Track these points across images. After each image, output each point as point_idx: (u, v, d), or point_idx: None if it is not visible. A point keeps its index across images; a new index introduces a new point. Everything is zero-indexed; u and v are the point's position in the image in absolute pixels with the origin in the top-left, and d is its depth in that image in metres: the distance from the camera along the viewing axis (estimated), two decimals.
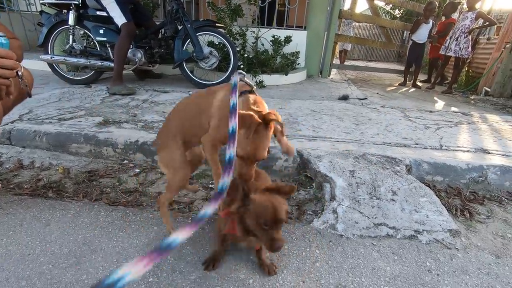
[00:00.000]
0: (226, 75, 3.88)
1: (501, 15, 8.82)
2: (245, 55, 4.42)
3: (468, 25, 5.26)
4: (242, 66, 4.25)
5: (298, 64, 5.19)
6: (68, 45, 3.64)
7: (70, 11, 3.47)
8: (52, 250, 1.25)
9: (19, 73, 1.21)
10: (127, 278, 0.51)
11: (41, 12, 3.67)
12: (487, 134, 2.54)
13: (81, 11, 3.53)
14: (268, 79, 4.41)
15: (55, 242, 1.29)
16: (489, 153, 2.11)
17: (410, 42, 6.11)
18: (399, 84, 6.18)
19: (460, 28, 5.34)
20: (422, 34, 5.86)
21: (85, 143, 2.11)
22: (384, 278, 1.22)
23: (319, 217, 1.58)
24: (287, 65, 4.76)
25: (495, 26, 6.79)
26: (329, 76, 5.78)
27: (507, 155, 2.07)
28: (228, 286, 1.14)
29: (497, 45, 5.70)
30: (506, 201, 1.80)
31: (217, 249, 1.23)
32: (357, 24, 7.40)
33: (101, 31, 3.59)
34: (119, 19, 3.32)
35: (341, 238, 1.44)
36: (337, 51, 9.82)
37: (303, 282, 1.17)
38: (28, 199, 1.62)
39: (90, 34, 3.71)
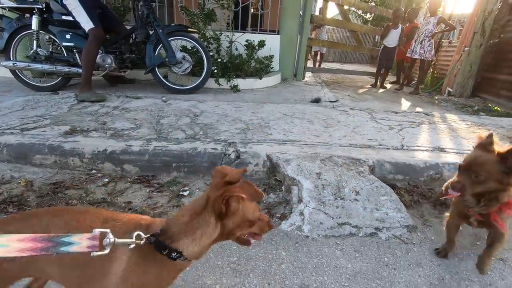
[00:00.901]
0: (200, 79, 3.88)
1: (464, 19, 9.44)
2: (219, 60, 4.44)
3: (431, 29, 5.58)
4: (216, 71, 4.26)
5: (272, 68, 5.28)
6: (32, 51, 3.49)
7: (33, 16, 3.33)
8: None
9: None
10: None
11: (1, 16, 3.50)
12: (444, 134, 2.72)
13: (45, 16, 3.40)
14: (242, 83, 4.45)
15: None
16: (445, 151, 2.27)
17: (382, 46, 6.40)
18: (370, 86, 6.44)
19: (424, 32, 5.66)
20: (392, 39, 6.16)
21: (50, 154, 2.04)
22: (345, 275, 1.29)
23: (287, 219, 1.63)
24: (261, 69, 4.83)
25: (458, 30, 7.27)
26: (303, 79, 5.92)
27: (461, 153, 2.24)
28: None
29: (458, 48, 6.09)
30: None
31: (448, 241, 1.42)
32: (330, 27, 7.62)
33: (68, 36, 3.47)
34: (86, 24, 3.23)
35: (307, 239, 1.50)
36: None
37: (268, 284, 1.22)
38: None
39: (55, 39, 3.58)
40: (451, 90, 5.81)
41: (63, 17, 3.41)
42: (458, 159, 2.10)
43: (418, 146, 2.34)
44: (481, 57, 5.38)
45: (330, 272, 1.30)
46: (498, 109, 4.68)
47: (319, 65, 7.98)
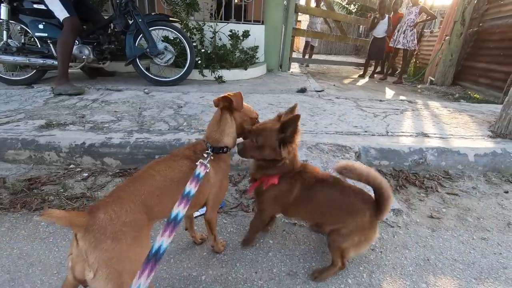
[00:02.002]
0: (184, 70, 3.78)
1: (444, 10, 9.64)
2: (203, 50, 4.33)
3: (413, 19, 5.65)
4: (199, 61, 4.16)
5: (257, 58, 5.21)
6: (2, 42, 3.28)
7: (2, 4, 3.12)
8: None
9: None
10: None
11: None
12: (427, 120, 2.76)
13: (15, 4, 3.19)
14: (227, 74, 4.37)
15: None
16: (428, 136, 2.30)
17: (371, 37, 6.43)
18: (359, 76, 6.48)
19: (406, 22, 5.72)
20: (380, 29, 6.19)
21: (24, 149, 1.93)
22: None
23: None
24: (247, 60, 4.76)
25: (439, 20, 7.39)
26: (289, 70, 5.88)
27: (443, 138, 2.28)
28: (179, 285, 1.12)
29: (439, 38, 6.21)
30: (443, 179, 1.98)
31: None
32: (320, 19, 7.54)
33: (41, 26, 3.28)
34: (61, 13, 3.06)
35: (294, 226, 1.48)
36: (298, 45, 9.98)
37: (256, 272, 1.19)
38: None
39: (28, 30, 3.38)
40: (433, 79, 5.94)
41: (35, 5, 3.22)
42: (441, 144, 2.14)
43: (403, 132, 2.36)
44: (461, 46, 5.50)
45: (317, 258, 1.29)
46: (478, 96, 4.82)
47: (310, 57, 7.92)
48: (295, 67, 6.73)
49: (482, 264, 1.29)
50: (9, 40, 3.30)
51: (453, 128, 2.53)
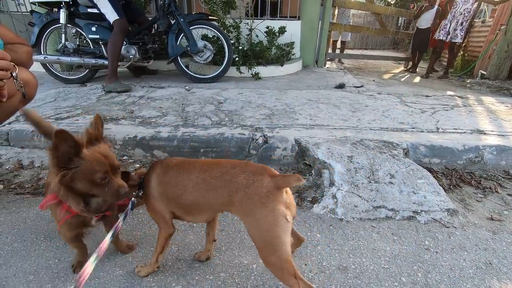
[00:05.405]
0: (222, 68, 3.87)
1: None
2: (240, 47, 4.40)
3: (470, 8, 5.19)
4: (237, 59, 4.23)
5: (293, 54, 5.16)
6: (60, 44, 3.61)
7: (61, 9, 3.43)
8: (57, 245, 1.27)
9: (14, 74, 1.21)
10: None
11: (32, 11, 3.62)
12: (482, 116, 2.55)
13: (72, 9, 3.49)
14: (264, 70, 4.39)
15: (59, 237, 1.31)
16: (485, 133, 2.13)
17: (415, 28, 6.08)
18: (405, 69, 6.16)
19: (463, 13, 5.23)
20: (424, 20, 5.80)
21: None
22: (384, 257, 1.25)
23: (319, 202, 1.60)
24: (282, 56, 4.74)
25: (490, 9, 6.75)
26: (324, 65, 5.76)
27: (503, 135, 2.10)
28: (232, 271, 1.16)
29: (492, 28, 5.68)
30: (502, 179, 1.82)
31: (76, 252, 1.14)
32: (351, 12, 7.26)
33: (93, 29, 3.55)
34: (111, 15, 3.28)
35: (341, 221, 1.47)
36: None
37: (305, 265, 1.20)
38: (30, 198, 1.63)
39: (82, 32, 3.67)
40: (485, 72, 5.44)
41: (89, 9, 3.49)
42: (501, 141, 1.97)
43: (455, 128, 2.22)
44: None
45: (368, 254, 1.26)
46: None
47: (342, 52, 7.63)
48: (330, 63, 6.57)
49: None
50: (66, 43, 3.61)
51: None
